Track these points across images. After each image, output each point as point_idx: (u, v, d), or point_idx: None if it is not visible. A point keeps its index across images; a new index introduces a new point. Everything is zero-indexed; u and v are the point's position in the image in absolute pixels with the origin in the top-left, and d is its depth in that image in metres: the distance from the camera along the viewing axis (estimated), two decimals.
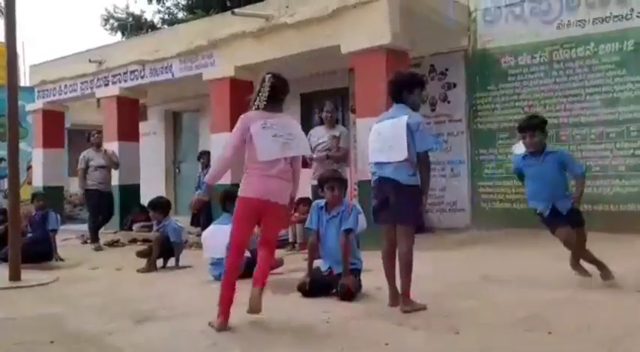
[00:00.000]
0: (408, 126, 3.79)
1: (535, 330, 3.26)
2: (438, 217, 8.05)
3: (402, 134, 3.80)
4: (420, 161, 3.85)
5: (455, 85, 8.15)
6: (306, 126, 9.80)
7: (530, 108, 7.48)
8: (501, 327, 3.35)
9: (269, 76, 3.76)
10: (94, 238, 8.40)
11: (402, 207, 3.82)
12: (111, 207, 8.73)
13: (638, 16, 6.85)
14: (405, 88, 4.04)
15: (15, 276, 5.59)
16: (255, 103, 3.75)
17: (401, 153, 3.79)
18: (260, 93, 3.75)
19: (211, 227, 5.64)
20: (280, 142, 3.66)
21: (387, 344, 3.08)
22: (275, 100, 3.77)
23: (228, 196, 5.11)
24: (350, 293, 4.19)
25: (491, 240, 6.70)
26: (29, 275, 5.79)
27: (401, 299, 3.83)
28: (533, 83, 7.50)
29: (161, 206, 6.52)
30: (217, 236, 5.02)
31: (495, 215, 7.65)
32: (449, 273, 5.05)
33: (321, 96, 9.26)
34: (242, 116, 3.79)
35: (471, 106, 7.98)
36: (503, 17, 7.73)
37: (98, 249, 8.18)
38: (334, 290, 4.34)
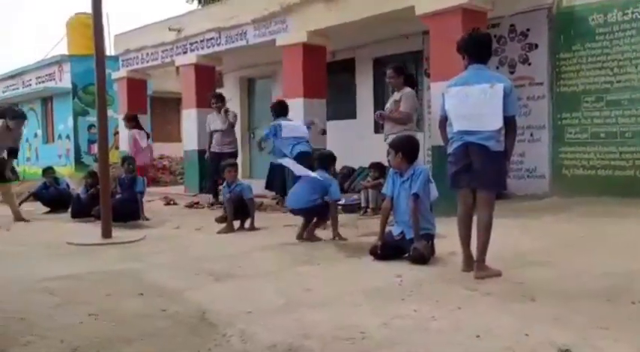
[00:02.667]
0: (504, 91, 3.69)
1: (617, 300, 3.14)
2: (515, 183, 7.80)
3: (497, 103, 3.70)
4: (509, 125, 3.77)
5: (537, 46, 7.73)
6: (380, 90, 9.75)
7: (620, 69, 7.00)
8: (580, 296, 3.26)
9: None
10: (214, 196, 8.76)
11: (488, 172, 3.76)
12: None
13: None
14: (489, 48, 3.93)
15: (107, 234, 6.02)
16: None
17: (496, 122, 3.72)
18: None
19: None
20: None
21: (459, 308, 3.09)
22: None
23: (327, 156, 5.89)
24: (422, 257, 4.20)
25: (572, 208, 6.42)
26: (119, 233, 6.23)
27: (475, 265, 3.80)
28: (625, 42, 6.97)
29: (236, 167, 6.85)
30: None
31: (578, 182, 7.30)
32: (526, 241, 4.93)
33: (395, 60, 9.09)
34: None
35: (553, 68, 7.56)
36: None
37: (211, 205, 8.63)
38: (406, 255, 4.36)
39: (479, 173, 3.78)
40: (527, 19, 7.78)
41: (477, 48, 3.91)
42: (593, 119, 7.21)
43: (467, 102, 3.81)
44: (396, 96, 6.54)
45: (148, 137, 10.03)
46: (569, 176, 7.42)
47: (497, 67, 7.91)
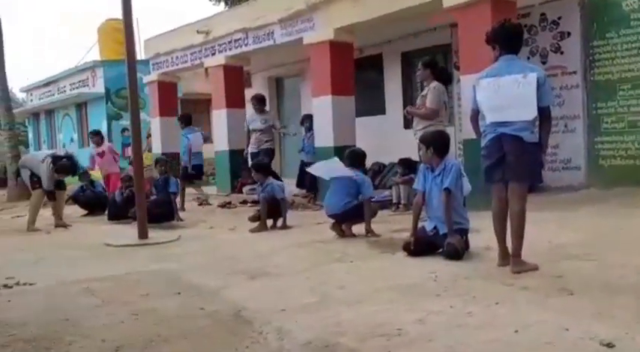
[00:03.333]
0: (537, 81, 3.63)
1: None
2: (550, 176, 7.64)
3: (531, 92, 3.64)
4: (544, 116, 3.72)
5: (569, 34, 7.56)
6: (408, 85, 9.69)
7: None
8: (620, 290, 3.18)
9: None
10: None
11: (522, 163, 3.70)
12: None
13: None
14: (521, 38, 3.88)
15: (143, 235, 6.15)
16: None
17: (530, 112, 3.65)
18: None
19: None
20: None
21: (496, 304, 3.05)
22: None
23: (358, 154, 5.94)
24: (456, 252, 4.17)
25: (610, 200, 6.27)
26: (155, 233, 6.35)
27: (511, 259, 3.74)
28: None
29: (262, 168, 6.82)
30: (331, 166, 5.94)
31: (615, 172, 7.11)
32: (563, 234, 4.83)
33: (423, 54, 9.00)
34: None
35: (587, 56, 7.38)
36: None
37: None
38: (440, 250, 4.33)
39: (513, 165, 3.72)
40: (558, 7, 7.61)
41: (509, 38, 3.84)
42: (630, 107, 7.02)
43: (499, 94, 3.75)
44: (424, 90, 6.50)
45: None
46: (607, 166, 7.24)
47: (529, 58, 7.76)
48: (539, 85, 3.65)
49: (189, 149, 9.46)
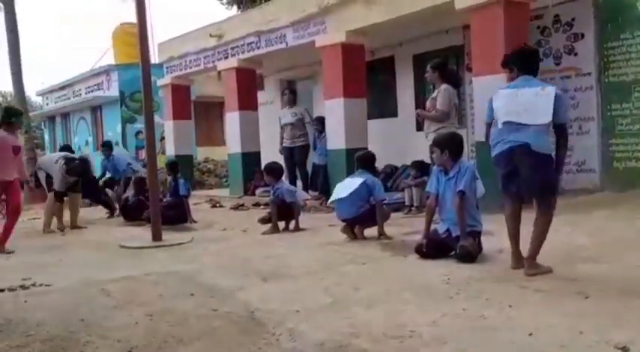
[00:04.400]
0: (555, 93, 3.68)
1: None
2: (564, 178, 7.57)
3: (548, 102, 3.68)
4: (561, 133, 3.74)
5: (583, 36, 7.50)
6: (420, 87, 9.67)
7: None
8: (635, 293, 3.16)
9: None
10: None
11: (539, 180, 3.70)
12: (298, 162, 9.20)
13: None
14: (538, 61, 4.00)
15: (157, 237, 6.20)
16: None
17: (545, 116, 3.67)
18: None
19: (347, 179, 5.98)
20: None
21: (510, 306, 3.04)
22: None
23: (368, 157, 5.91)
24: (469, 255, 4.16)
25: (624, 202, 6.21)
26: (169, 235, 6.40)
27: (526, 261, 3.73)
28: None
29: (274, 171, 6.80)
30: (344, 184, 5.79)
31: (630, 175, 7.03)
32: (577, 237, 4.80)
33: (435, 56, 8.98)
34: None
35: (601, 58, 7.31)
36: None
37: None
38: (453, 253, 4.32)
39: (530, 181, 3.73)
40: (571, 8, 7.55)
41: (527, 60, 3.94)
42: None
43: (517, 100, 3.80)
44: (434, 93, 6.50)
45: None
46: (621, 169, 7.17)
47: (542, 59, 7.69)
48: (557, 98, 3.69)
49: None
